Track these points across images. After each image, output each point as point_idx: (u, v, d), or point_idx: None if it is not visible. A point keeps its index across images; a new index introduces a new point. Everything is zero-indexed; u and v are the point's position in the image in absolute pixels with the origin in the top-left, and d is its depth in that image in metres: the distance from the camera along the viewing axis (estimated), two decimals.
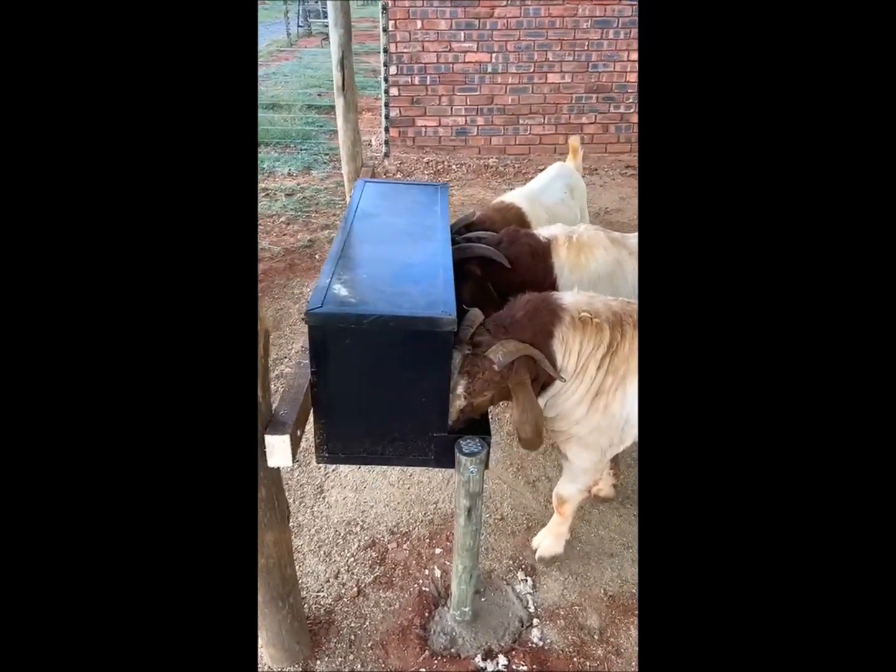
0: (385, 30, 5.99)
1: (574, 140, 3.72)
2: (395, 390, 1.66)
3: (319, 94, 9.55)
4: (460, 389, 1.75)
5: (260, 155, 6.32)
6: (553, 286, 2.40)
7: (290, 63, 12.58)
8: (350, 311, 1.56)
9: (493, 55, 6.46)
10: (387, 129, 6.45)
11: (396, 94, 6.53)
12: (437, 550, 2.26)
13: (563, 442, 2.04)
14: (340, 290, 1.66)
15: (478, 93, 6.61)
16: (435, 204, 2.33)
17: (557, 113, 6.76)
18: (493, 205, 3.09)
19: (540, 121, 6.77)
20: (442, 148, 6.79)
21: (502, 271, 2.32)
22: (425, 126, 6.74)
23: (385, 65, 6.15)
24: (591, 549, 2.30)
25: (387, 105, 6.36)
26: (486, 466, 1.77)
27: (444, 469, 2.62)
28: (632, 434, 1.97)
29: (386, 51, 6.09)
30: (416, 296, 1.67)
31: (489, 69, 6.51)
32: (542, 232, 2.52)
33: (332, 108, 8.69)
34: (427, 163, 6.44)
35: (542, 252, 2.42)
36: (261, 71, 11.59)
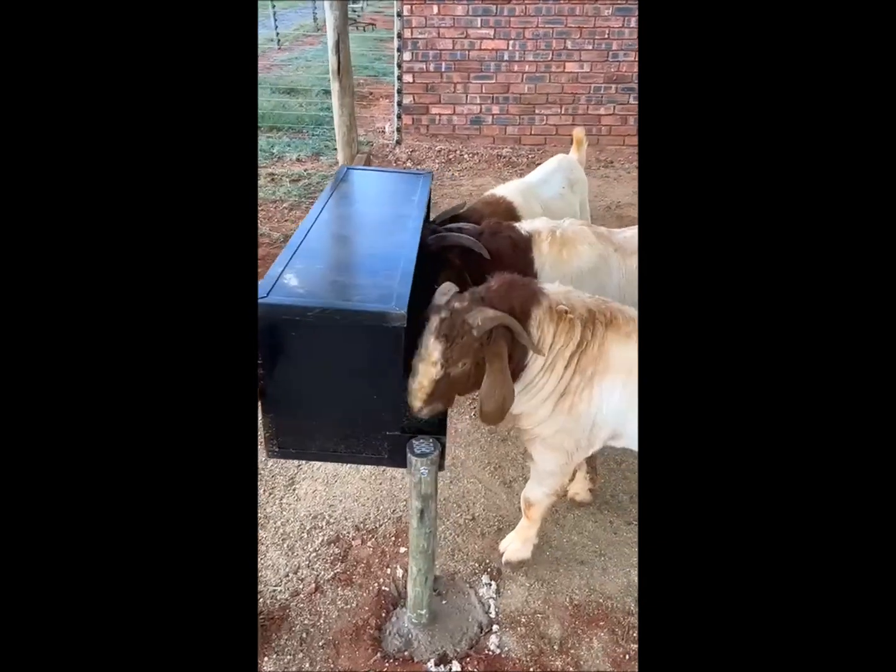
0: (399, 14, 5.90)
1: (579, 132, 3.61)
2: (345, 386, 1.60)
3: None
4: (437, 355, 1.64)
5: (271, 139, 6.29)
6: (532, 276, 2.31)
7: (315, 48, 12.54)
8: (295, 302, 1.50)
9: (510, 42, 6.33)
10: (399, 117, 6.38)
11: (411, 80, 6.44)
12: (402, 549, 2.21)
13: (528, 442, 1.97)
14: (291, 279, 1.60)
15: (493, 81, 6.49)
16: (414, 193, 2.26)
17: (575, 103, 6.61)
18: (484, 197, 3.01)
19: (556, 111, 6.63)
20: (456, 136, 6.69)
21: (481, 263, 2.24)
22: (439, 114, 6.64)
23: (399, 50, 6.06)
24: (561, 555, 2.22)
25: (400, 92, 6.27)
26: (441, 468, 1.71)
27: None
28: (600, 437, 1.88)
29: (400, 36, 6.00)
30: (369, 288, 1.61)
31: (506, 57, 6.38)
32: (525, 226, 2.43)
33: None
34: (439, 151, 6.36)
35: (523, 246, 2.33)
36: (284, 55, 11.58)
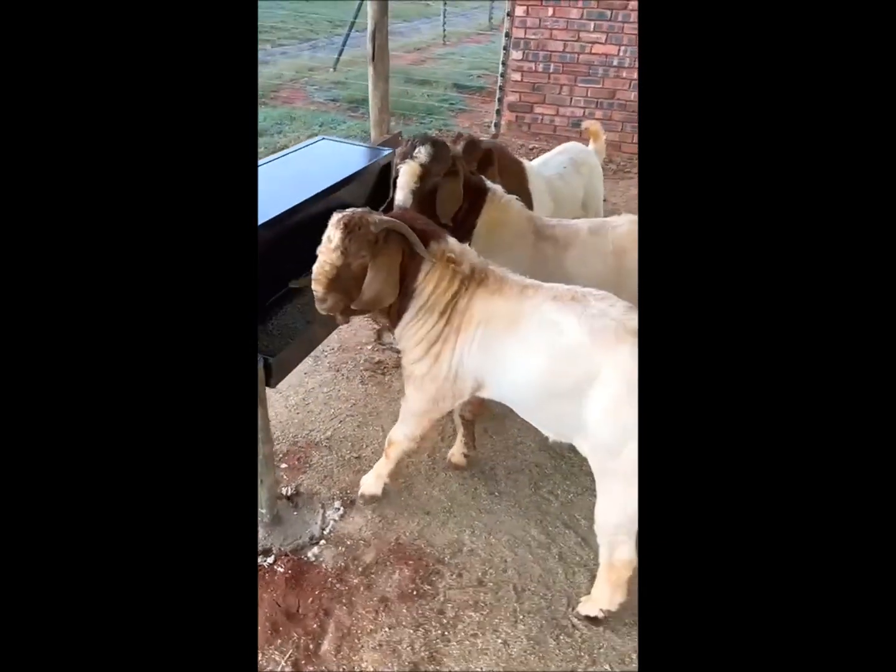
0: (509, 14, 6.14)
1: (593, 124, 3.70)
2: None
3: (479, 76, 9.90)
4: (336, 241, 1.85)
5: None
6: (470, 237, 2.49)
7: (476, 46, 13.05)
8: None
9: (622, 48, 6.29)
10: (498, 112, 6.62)
11: (518, 79, 6.66)
12: (283, 465, 2.55)
13: (406, 379, 2.18)
14: None
15: (600, 86, 6.49)
16: (354, 164, 2.57)
17: None
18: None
19: None
20: (556, 137, 6.78)
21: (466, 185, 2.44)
22: (542, 114, 6.78)
23: (504, 48, 6.31)
24: (414, 503, 2.43)
25: (501, 88, 6.52)
26: (270, 385, 2.03)
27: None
28: (465, 389, 2.04)
29: (508, 35, 6.24)
30: None
31: (615, 62, 6.36)
32: (488, 182, 2.61)
33: (480, 89, 8.97)
34: (531, 149, 6.51)
35: (483, 196, 2.51)
36: (442, 50, 12.23)
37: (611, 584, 1.91)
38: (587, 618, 1.99)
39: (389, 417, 2.87)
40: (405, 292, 1.99)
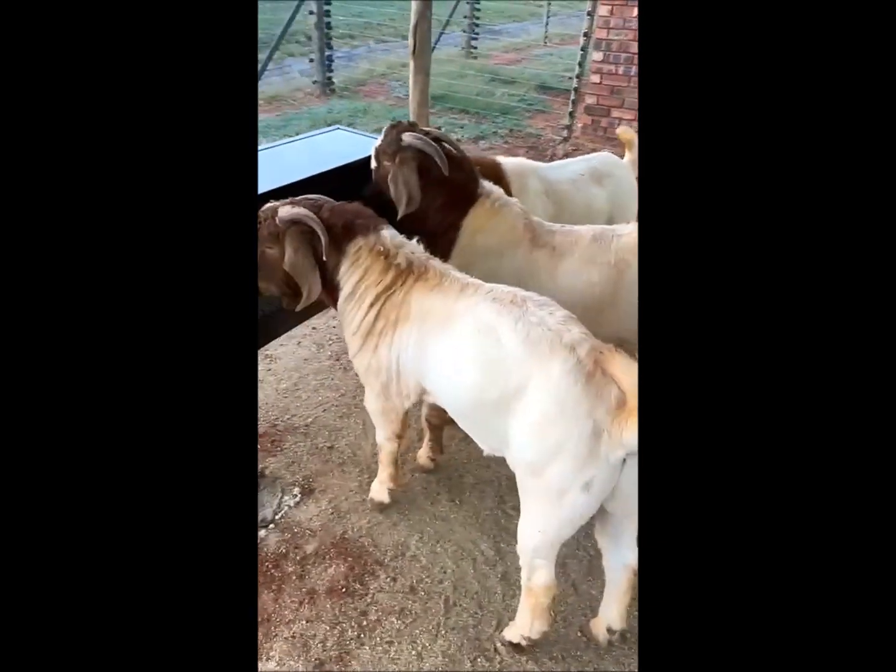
0: (589, 13, 5.94)
1: (626, 131, 3.38)
2: None
3: (569, 78, 9.67)
4: None
5: (451, 118, 6.84)
6: (452, 237, 2.39)
7: (577, 47, 12.76)
8: None
9: None
10: (571, 115, 6.42)
11: (598, 81, 6.42)
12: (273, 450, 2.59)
13: (358, 376, 2.16)
14: None
15: None
16: (349, 153, 2.56)
17: None
18: (476, 156, 3.08)
19: None
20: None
21: (433, 179, 2.32)
22: (620, 118, 6.50)
23: (583, 49, 6.11)
24: (370, 502, 2.39)
25: (575, 90, 6.32)
26: None
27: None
28: (410, 386, 1.98)
29: (586, 35, 6.04)
30: None
31: None
32: (488, 184, 2.45)
33: (566, 91, 8.79)
34: None
35: (467, 196, 2.37)
36: (540, 51, 12.06)
37: (530, 610, 1.78)
38: (511, 644, 1.88)
39: None
40: (329, 283, 1.98)
